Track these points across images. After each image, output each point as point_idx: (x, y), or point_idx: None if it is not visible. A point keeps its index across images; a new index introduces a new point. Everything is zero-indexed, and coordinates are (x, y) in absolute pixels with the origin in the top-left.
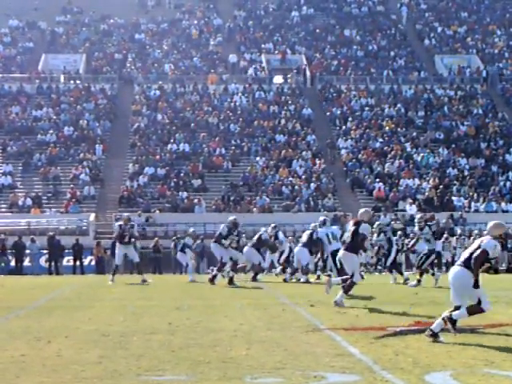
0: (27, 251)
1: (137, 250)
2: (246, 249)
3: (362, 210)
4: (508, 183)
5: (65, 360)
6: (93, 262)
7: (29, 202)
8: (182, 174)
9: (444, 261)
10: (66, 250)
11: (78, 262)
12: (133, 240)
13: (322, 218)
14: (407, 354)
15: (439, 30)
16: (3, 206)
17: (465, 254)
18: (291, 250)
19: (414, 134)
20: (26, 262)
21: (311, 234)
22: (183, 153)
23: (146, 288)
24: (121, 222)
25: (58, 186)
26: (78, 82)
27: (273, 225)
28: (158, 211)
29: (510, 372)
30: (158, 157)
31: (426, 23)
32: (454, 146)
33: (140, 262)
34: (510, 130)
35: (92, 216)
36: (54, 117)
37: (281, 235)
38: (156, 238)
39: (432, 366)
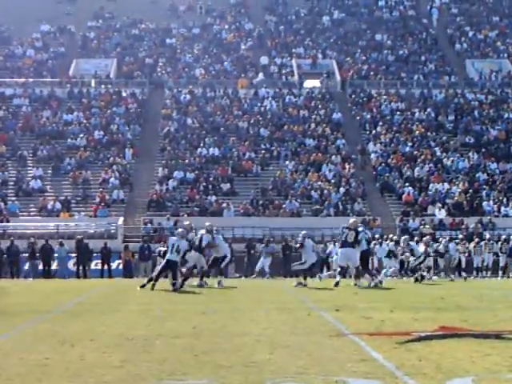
0: (55, 255)
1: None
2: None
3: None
4: None
5: (88, 364)
6: (120, 266)
7: (58, 205)
8: (211, 178)
9: (474, 265)
10: (94, 253)
11: (105, 266)
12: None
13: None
14: (430, 359)
15: (470, 34)
16: (33, 209)
17: None
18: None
19: (444, 138)
20: (54, 266)
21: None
22: (213, 157)
23: (172, 292)
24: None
25: (87, 189)
26: (108, 86)
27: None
28: (186, 215)
29: None
30: (187, 161)
31: (457, 27)
32: (484, 150)
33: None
34: None
35: (120, 220)
36: (85, 121)
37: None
38: None
39: (455, 371)
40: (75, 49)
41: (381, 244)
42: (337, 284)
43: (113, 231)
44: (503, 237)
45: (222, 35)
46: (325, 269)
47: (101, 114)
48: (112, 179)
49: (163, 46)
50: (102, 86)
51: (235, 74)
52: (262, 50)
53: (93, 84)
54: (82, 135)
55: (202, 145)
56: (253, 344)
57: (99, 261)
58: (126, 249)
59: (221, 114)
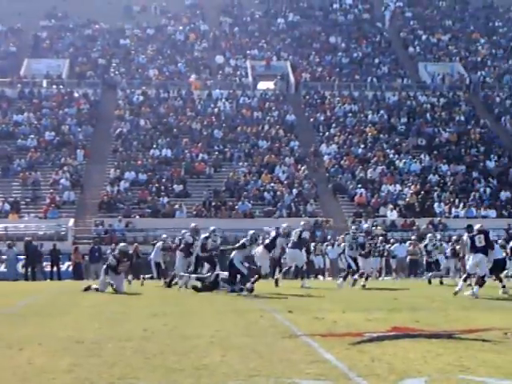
0: (4, 257)
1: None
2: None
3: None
4: (488, 189)
5: (36, 368)
6: (70, 268)
7: (7, 207)
8: (163, 180)
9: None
10: (43, 255)
11: (55, 268)
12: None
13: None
14: (383, 360)
15: (423, 37)
16: None
17: None
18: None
19: (397, 140)
20: (3, 268)
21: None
22: (165, 158)
23: (124, 294)
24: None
25: (37, 191)
26: (60, 86)
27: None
28: (137, 216)
29: (485, 378)
30: (139, 162)
31: (410, 31)
32: (435, 152)
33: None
34: (491, 136)
35: (71, 221)
36: (35, 122)
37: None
38: (136, 244)
39: (407, 372)
40: (27, 48)
41: (333, 245)
42: (276, 282)
43: (63, 233)
44: (454, 237)
45: (176, 36)
46: (277, 270)
47: (52, 115)
48: (63, 180)
49: (117, 46)
50: (54, 87)
51: (189, 76)
52: (217, 52)
53: (44, 84)
54: (32, 136)
55: (154, 146)
56: (204, 346)
57: (49, 263)
58: (75, 251)
59: (174, 116)
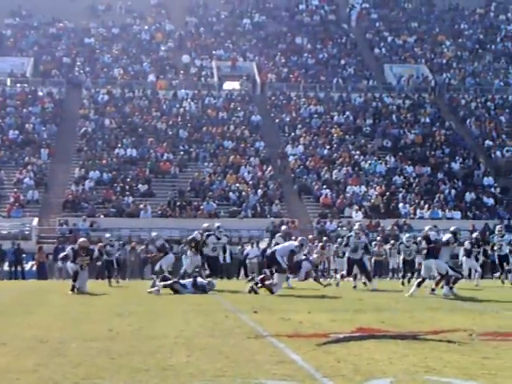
0: None
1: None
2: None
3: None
4: (453, 191)
5: (0, 368)
6: (34, 268)
7: None
8: (128, 179)
9: (390, 267)
10: (6, 254)
11: (18, 268)
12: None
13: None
14: (349, 360)
15: (389, 39)
16: None
17: None
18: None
19: (362, 141)
20: None
21: None
22: (130, 158)
23: (89, 294)
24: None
25: (0, 190)
26: (24, 85)
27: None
28: (102, 216)
29: (451, 378)
30: (104, 161)
31: (376, 32)
32: (401, 153)
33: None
34: (456, 138)
35: (35, 220)
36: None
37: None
38: (100, 243)
39: (373, 372)
40: None
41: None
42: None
43: (27, 232)
44: (419, 238)
45: (141, 36)
46: (242, 271)
47: (16, 114)
48: (27, 179)
49: (81, 45)
50: (18, 85)
51: (154, 75)
52: (182, 52)
53: (8, 83)
54: None
55: (119, 145)
56: (170, 346)
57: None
58: (40, 250)
59: (139, 115)
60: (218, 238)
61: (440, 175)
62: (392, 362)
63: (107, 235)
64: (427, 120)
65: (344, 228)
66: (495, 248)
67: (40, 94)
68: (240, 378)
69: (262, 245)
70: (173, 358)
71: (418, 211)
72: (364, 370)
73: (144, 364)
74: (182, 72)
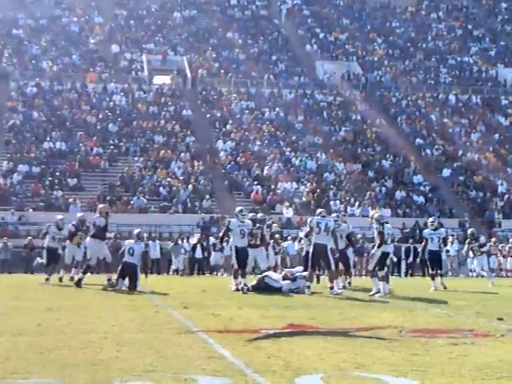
0: None
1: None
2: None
3: None
4: (383, 189)
5: None
6: None
7: None
8: (57, 173)
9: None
10: None
11: None
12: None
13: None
14: (279, 356)
15: (321, 35)
16: None
17: None
18: None
19: (294, 138)
20: None
21: None
22: (59, 151)
23: (17, 288)
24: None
25: None
26: None
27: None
28: (31, 210)
29: (379, 375)
30: (32, 155)
31: (307, 29)
32: (332, 150)
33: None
34: (386, 136)
35: None
36: None
37: None
38: (29, 237)
39: (303, 368)
40: None
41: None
42: None
43: None
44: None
45: (70, 28)
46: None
47: None
48: None
49: (9, 36)
50: None
51: (84, 68)
52: (112, 45)
53: None
54: None
55: (48, 139)
56: (99, 341)
57: None
58: None
59: (68, 108)
60: (242, 222)
61: (370, 173)
62: (322, 358)
63: (59, 216)
64: (358, 117)
65: (275, 224)
66: (429, 242)
67: None
68: (170, 373)
69: (193, 240)
70: (102, 353)
71: (349, 208)
72: (294, 366)
73: (73, 359)
74: (111, 65)
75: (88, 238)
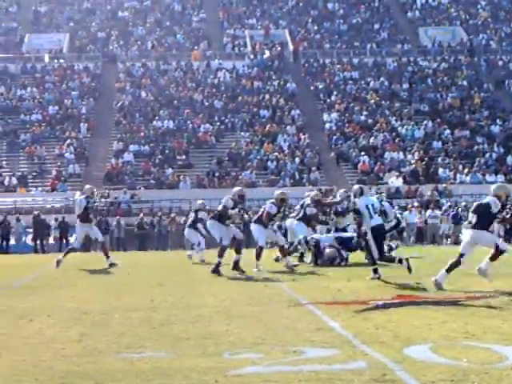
0: (13, 230)
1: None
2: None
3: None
4: (493, 154)
5: (45, 338)
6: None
7: (14, 181)
8: (166, 151)
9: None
10: (51, 228)
11: (64, 241)
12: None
13: (357, 187)
14: (388, 327)
15: (423, 1)
16: None
17: None
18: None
19: (399, 106)
20: (12, 241)
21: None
22: (168, 129)
23: (131, 265)
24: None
25: (43, 165)
26: (61, 61)
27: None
28: (142, 188)
29: (490, 344)
30: (142, 134)
31: None
32: (438, 118)
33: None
34: (494, 101)
35: (77, 194)
36: (39, 96)
37: None
38: (141, 215)
39: (412, 339)
40: (27, 24)
41: None
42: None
43: (70, 206)
44: (463, 203)
45: (174, 7)
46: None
47: (55, 89)
48: (67, 154)
49: (115, 19)
50: (55, 61)
51: (188, 47)
52: (214, 22)
53: (46, 59)
54: (36, 110)
55: (156, 118)
56: (210, 316)
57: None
58: None
59: (174, 87)
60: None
61: (479, 139)
62: (431, 328)
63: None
64: (464, 83)
65: (383, 194)
66: None
67: (77, 68)
68: (279, 345)
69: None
70: (213, 327)
71: (458, 176)
72: (403, 337)
73: (185, 333)
74: (214, 42)
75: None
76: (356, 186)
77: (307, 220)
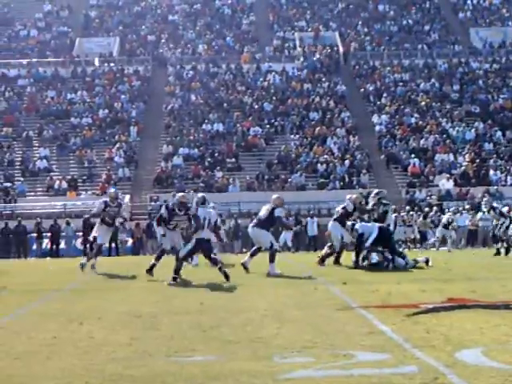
0: (63, 234)
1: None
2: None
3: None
4: None
5: (96, 341)
6: (130, 243)
7: (64, 185)
8: (216, 154)
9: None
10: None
11: (113, 244)
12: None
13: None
14: (439, 331)
15: (474, 1)
16: (40, 189)
17: None
18: None
19: (449, 107)
20: (62, 245)
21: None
22: (217, 132)
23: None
24: (106, 199)
25: (92, 168)
26: (111, 64)
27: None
28: (192, 191)
29: None
30: (192, 137)
31: None
32: (489, 119)
33: None
34: None
35: (127, 198)
36: (89, 100)
37: None
38: None
39: (463, 343)
40: (78, 28)
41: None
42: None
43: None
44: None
45: (224, 10)
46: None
47: (105, 93)
48: (117, 157)
49: (165, 22)
50: (106, 65)
51: (237, 49)
52: (264, 24)
53: (96, 63)
54: (86, 114)
55: (206, 121)
56: (260, 319)
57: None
58: (137, 226)
59: (224, 90)
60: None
61: None
62: (483, 332)
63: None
64: None
65: (433, 197)
66: None
67: (127, 72)
68: (329, 349)
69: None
70: (262, 330)
71: (510, 178)
72: (454, 341)
73: (234, 336)
74: (264, 45)
75: None
76: (200, 195)
77: (343, 220)
